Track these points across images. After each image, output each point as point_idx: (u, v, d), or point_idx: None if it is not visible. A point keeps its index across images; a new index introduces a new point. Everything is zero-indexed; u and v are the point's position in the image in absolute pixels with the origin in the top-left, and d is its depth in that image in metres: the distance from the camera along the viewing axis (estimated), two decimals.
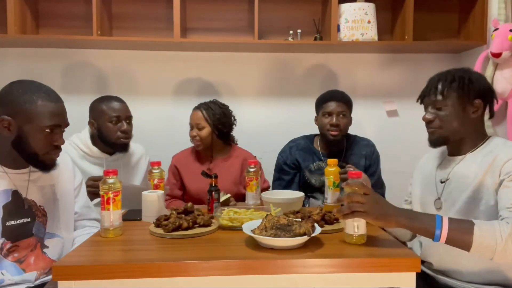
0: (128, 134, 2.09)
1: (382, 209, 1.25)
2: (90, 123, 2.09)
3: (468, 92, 1.44)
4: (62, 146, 1.49)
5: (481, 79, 1.49)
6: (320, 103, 2.18)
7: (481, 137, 1.48)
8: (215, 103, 2.25)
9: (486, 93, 1.47)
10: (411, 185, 1.71)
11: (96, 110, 2.08)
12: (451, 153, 1.53)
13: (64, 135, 1.50)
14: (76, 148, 2.05)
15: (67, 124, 1.49)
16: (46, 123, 1.39)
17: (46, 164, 1.46)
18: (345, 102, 2.16)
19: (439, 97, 1.45)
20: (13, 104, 1.38)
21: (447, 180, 1.49)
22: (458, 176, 1.46)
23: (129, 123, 2.11)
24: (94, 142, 2.08)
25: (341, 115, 2.12)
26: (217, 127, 2.20)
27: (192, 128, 2.22)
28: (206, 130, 2.19)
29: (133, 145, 2.23)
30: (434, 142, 1.50)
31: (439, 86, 1.46)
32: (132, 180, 2.15)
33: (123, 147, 2.10)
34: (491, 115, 1.52)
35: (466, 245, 1.21)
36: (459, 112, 1.44)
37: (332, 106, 2.13)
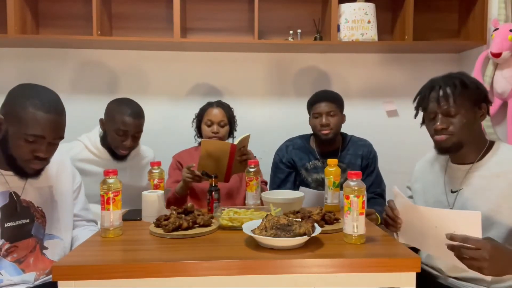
0: (129, 149, 2.02)
1: (501, 267, 1.18)
2: (100, 121, 2.03)
3: (478, 97, 1.43)
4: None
5: (481, 83, 1.49)
6: (310, 106, 2.21)
7: (483, 142, 1.48)
8: (224, 103, 2.28)
9: (488, 96, 1.47)
10: (412, 199, 1.68)
11: (109, 114, 2.00)
12: (455, 160, 1.50)
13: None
14: (85, 148, 2.01)
15: (57, 137, 1.43)
16: (28, 131, 1.36)
17: (24, 171, 1.42)
18: (333, 101, 2.16)
19: (452, 104, 1.41)
20: (9, 105, 1.39)
21: (460, 190, 1.47)
22: (473, 187, 1.44)
23: (136, 138, 2.01)
24: (103, 143, 2.03)
25: (331, 114, 2.13)
26: (232, 126, 2.27)
27: (211, 125, 2.20)
28: (226, 129, 2.23)
29: (144, 148, 2.20)
30: (447, 149, 1.46)
31: (449, 93, 1.42)
32: (138, 183, 2.09)
33: (121, 157, 2.04)
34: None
35: None
36: (471, 118, 1.43)
37: (320, 106, 2.14)
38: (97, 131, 2.07)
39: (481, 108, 1.45)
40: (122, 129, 1.94)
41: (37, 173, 1.46)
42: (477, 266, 1.17)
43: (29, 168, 1.42)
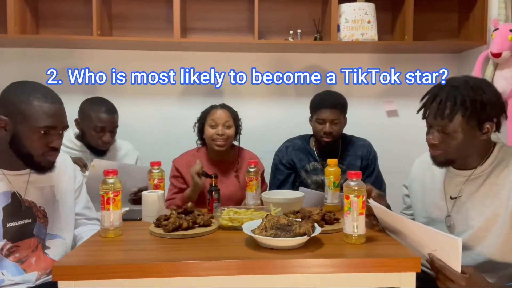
0: (108, 144, 2.14)
1: None
2: (76, 121, 2.14)
3: (480, 117, 1.33)
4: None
5: (494, 97, 1.37)
6: (314, 108, 2.17)
7: (485, 149, 1.42)
8: (229, 106, 2.23)
9: (498, 113, 1.37)
10: (409, 198, 1.68)
11: (84, 113, 2.12)
12: (456, 167, 1.46)
13: None
14: None
15: (64, 126, 1.46)
16: (40, 123, 1.38)
17: (41, 165, 1.44)
18: (339, 107, 2.13)
19: (447, 122, 1.34)
20: (10, 104, 1.39)
21: (459, 196, 1.44)
22: (473, 195, 1.41)
23: (113, 133, 2.15)
24: (77, 137, 2.15)
25: (335, 122, 2.11)
26: (238, 128, 2.19)
27: (215, 126, 2.10)
28: (232, 130, 2.13)
29: (120, 141, 2.29)
30: (439, 163, 1.43)
31: (447, 110, 1.33)
32: None
33: (101, 152, 2.16)
34: (497, 130, 1.41)
35: None
36: (467, 137, 1.35)
37: (325, 113, 2.10)
38: (71, 130, 2.14)
39: (483, 128, 1.35)
40: (99, 126, 2.07)
41: (51, 165, 1.47)
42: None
43: (45, 161, 1.44)
